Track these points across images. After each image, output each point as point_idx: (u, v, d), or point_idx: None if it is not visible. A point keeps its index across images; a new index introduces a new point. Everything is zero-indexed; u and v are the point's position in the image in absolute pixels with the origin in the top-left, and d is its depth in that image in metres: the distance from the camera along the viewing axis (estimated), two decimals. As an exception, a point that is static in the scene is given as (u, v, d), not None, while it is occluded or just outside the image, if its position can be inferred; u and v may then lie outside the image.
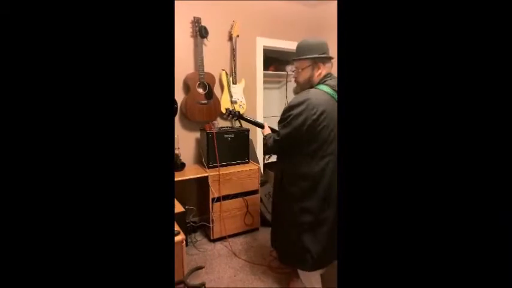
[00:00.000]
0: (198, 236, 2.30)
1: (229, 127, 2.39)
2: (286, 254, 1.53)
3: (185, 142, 2.34)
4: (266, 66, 2.88)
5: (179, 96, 2.25)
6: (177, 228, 1.17)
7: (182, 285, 0.98)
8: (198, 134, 2.38)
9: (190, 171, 2.15)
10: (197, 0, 2.23)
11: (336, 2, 2.71)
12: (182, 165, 2.17)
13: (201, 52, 2.20)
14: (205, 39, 2.26)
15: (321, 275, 1.53)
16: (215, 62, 2.36)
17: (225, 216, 2.18)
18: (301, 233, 1.38)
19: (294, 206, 1.38)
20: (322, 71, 1.36)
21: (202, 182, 2.19)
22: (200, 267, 1.07)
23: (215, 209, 2.13)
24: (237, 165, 2.29)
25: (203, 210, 2.32)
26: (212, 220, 2.13)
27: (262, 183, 2.44)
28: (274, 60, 3.09)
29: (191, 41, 2.25)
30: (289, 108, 1.31)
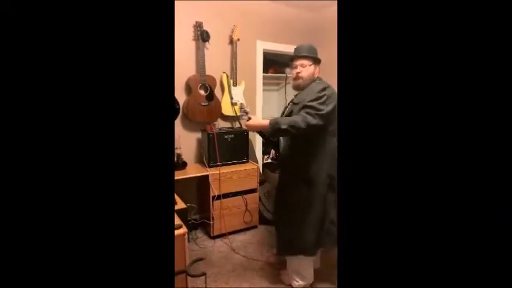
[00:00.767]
0: (199, 233, 2.38)
1: (230, 128, 2.47)
2: (288, 245, 1.59)
3: (186, 142, 2.41)
4: (266, 69, 2.96)
5: (181, 97, 2.33)
6: (180, 222, 1.24)
7: (185, 274, 1.05)
8: (199, 134, 2.46)
9: (192, 170, 2.23)
10: (200, 1, 2.31)
11: (335, 7, 2.75)
12: (184, 164, 2.24)
13: (203, 55, 2.29)
14: (206, 42, 2.34)
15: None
16: (216, 65, 2.44)
17: (225, 213, 2.26)
18: (311, 220, 1.49)
19: (315, 183, 1.47)
20: (317, 71, 1.55)
21: (203, 181, 2.26)
22: (201, 259, 1.15)
23: (215, 206, 2.20)
24: (237, 165, 2.36)
25: (203, 208, 2.40)
26: (212, 217, 2.21)
27: (261, 182, 2.51)
28: (273, 62, 3.18)
29: (193, 44, 2.34)
30: (321, 90, 1.40)
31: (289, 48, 2.81)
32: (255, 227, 2.45)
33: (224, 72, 2.48)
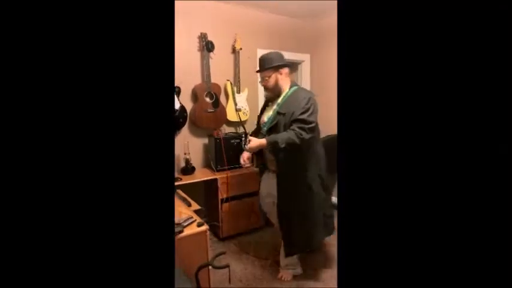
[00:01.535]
0: (209, 235, 2.44)
1: (234, 133, 2.57)
2: (298, 244, 1.71)
3: (194, 148, 2.50)
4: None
5: (188, 105, 2.43)
6: (201, 220, 1.33)
7: (209, 267, 1.14)
8: (206, 140, 2.55)
9: (200, 175, 2.32)
10: (204, 13, 2.44)
11: (331, 16, 2.89)
12: (193, 169, 2.33)
13: (208, 64, 2.40)
14: (211, 52, 2.45)
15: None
16: (220, 73, 2.56)
17: (233, 216, 2.34)
18: (315, 218, 1.66)
19: (313, 186, 1.64)
20: (284, 76, 1.66)
21: (211, 184, 2.35)
22: (223, 252, 1.23)
23: (224, 209, 2.28)
24: (243, 168, 2.45)
25: (211, 211, 2.47)
26: (221, 220, 2.29)
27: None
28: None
29: (198, 54, 2.45)
30: (307, 101, 1.54)
31: (288, 56, 2.94)
32: (261, 228, 2.54)
33: (228, 80, 2.59)
